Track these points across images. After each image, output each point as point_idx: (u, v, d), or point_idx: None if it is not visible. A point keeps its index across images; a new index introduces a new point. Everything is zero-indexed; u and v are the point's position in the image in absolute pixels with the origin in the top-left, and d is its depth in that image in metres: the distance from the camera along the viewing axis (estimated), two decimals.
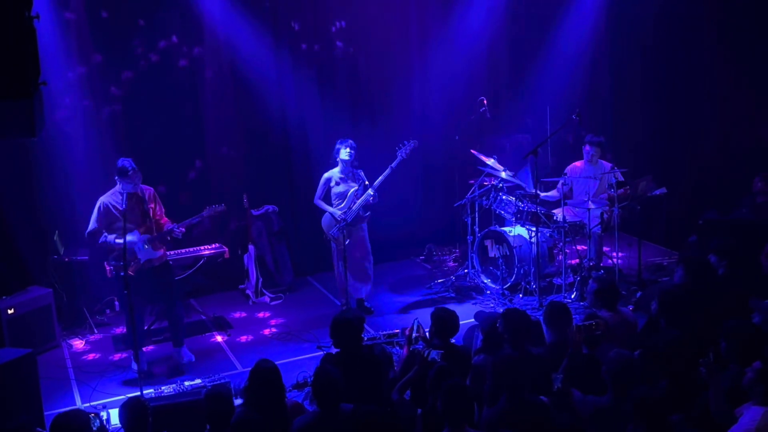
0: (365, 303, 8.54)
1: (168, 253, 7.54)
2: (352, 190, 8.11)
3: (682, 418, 4.61)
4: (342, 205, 8.11)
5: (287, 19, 9.47)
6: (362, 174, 8.21)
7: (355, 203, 8.08)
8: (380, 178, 8.07)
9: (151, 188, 7.26)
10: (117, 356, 7.82)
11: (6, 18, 3.90)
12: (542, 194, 8.75)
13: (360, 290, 8.46)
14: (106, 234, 6.98)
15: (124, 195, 6.92)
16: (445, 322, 5.81)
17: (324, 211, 8.26)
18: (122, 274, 6.65)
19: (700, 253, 7.50)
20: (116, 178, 6.99)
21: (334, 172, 8.20)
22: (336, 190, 8.18)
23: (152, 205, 7.17)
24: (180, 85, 9.11)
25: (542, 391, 5.06)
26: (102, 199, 7.05)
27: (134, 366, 7.17)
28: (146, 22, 8.80)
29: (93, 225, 7.06)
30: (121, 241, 6.84)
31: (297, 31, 9.53)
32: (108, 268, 7.77)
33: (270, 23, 9.38)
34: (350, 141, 8.16)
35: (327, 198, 8.28)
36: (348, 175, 8.17)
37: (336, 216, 8.07)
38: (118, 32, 8.71)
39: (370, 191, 8.06)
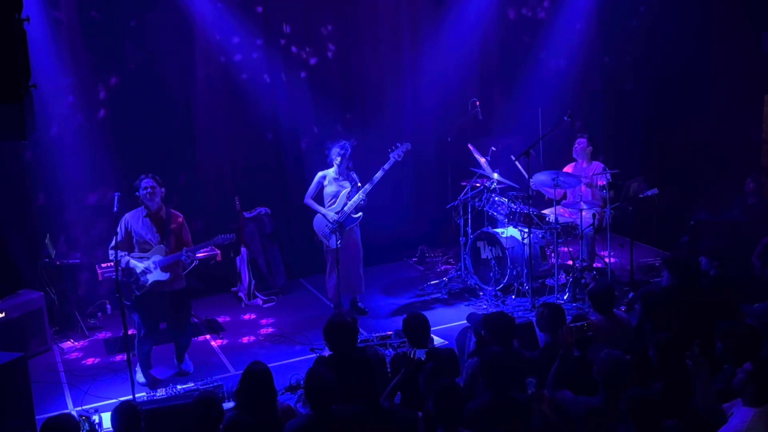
0: (359, 304, 8.54)
1: None
2: (344, 191, 8.10)
3: (676, 423, 4.61)
4: (334, 205, 8.11)
5: (279, 21, 9.46)
6: (355, 176, 8.20)
7: (346, 204, 8.07)
8: (373, 180, 8.06)
9: (181, 215, 7.22)
10: (108, 360, 7.79)
11: None
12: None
13: (353, 291, 8.46)
14: (123, 253, 6.93)
15: (136, 214, 6.97)
16: (417, 329, 5.78)
17: (314, 212, 8.23)
18: (122, 283, 6.68)
19: (692, 254, 7.53)
20: (137, 194, 6.98)
21: (329, 172, 8.19)
22: (328, 189, 8.18)
23: (174, 229, 7.08)
24: (172, 87, 9.08)
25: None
26: (126, 216, 7.02)
27: (139, 379, 7.16)
28: (137, 24, 8.77)
29: (116, 240, 6.99)
30: (134, 264, 6.92)
31: (288, 34, 9.52)
32: (99, 271, 7.76)
33: (261, 25, 9.37)
34: (348, 147, 8.11)
35: (318, 198, 8.26)
36: (342, 176, 8.16)
37: (328, 217, 8.06)
38: (109, 34, 8.68)
39: (361, 194, 8.06)
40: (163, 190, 7.04)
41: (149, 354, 7.22)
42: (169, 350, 7.54)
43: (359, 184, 8.13)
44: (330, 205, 8.13)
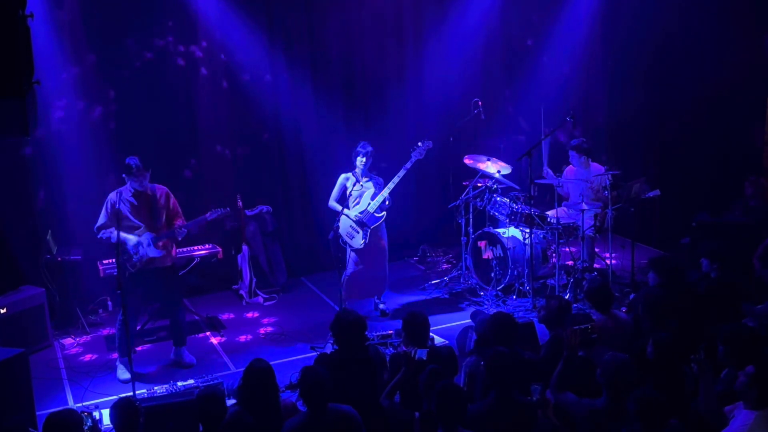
0: (380, 306, 8.50)
1: None
2: (368, 191, 8.06)
3: (678, 422, 4.61)
4: (358, 206, 8.06)
5: (282, 19, 9.46)
6: (380, 179, 8.17)
7: (370, 204, 8.04)
8: (394, 179, 8.00)
9: (165, 188, 7.25)
10: (109, 356, 7.78)
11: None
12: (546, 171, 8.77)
13: (377, 293, 8.46)
14: (111, 230, 6.97)
15: (122, 194, 6.95)
16: (417, 328, 5.78)
17: (338, 214, 8.09)
18: (116, 272, 6.65)
19: (693, 256, 7.52)
20: (124, 176, 7.02)
21: (350, 174, 8.14)
22: (352, 192, 8.10)
23: (163, 204, 7.15)
24: (174, 85, 9.09)
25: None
26: (111, 196, 7.06)
27: (122, 376, 7.17)
28: (141, 21, 8.78)
29: (102, 220, 7.09)
30: (124, 236, 6.88)
31: (291, 32, 9.53)
32: (101, 267, 7.77)
33: (264, 23, 9.37)
34: (369, 148, 8.08)
35: (342, 201, 8.16)
36: (365, 177, 8.11)
37: (351, 216, 7.99)
38: (112, 32, 8.69)
39: (386, 192, 8.02)
40: (148, 171, 7.06)
41: (131, 339, 7.12)
42: (162, 349, 7.58)
43: (362, 183, 8.10)
44: (354, 207, 8.05)
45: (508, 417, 4.82)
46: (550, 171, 8.82)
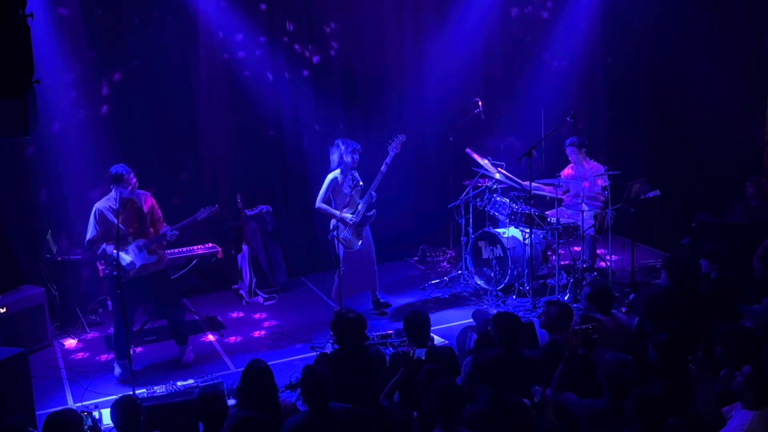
0: (381, 300, 8.55)
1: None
2: (354, 191, 8.06)
3: (676, 421, 4.62)
4: (347, 207, 8.04)
5: (282, 19, 9.46)
6: (357, 174, 8.18)
7: (359, 204, 8.04)
8: (378, 177, 8.02)
9: (148, 193, 7.26)
10: (109, 356, 7.79)
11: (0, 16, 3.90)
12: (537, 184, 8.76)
13: (371, 288, 8.49)
14: (105, 244, 6.96)
15: (118, 199, 6.92)
16: (419, 327, 5.79)
17: (328, 216, 8.11)
18: (115, 278, 6.65)
19: (692, 256, 7.51)
20: (112, 186, 7.00)
21: (338, 174, 8.13)
22: (340, 191, 8.09)
23: (149, 210, 7.16)
24: (174, 84, 9.09)
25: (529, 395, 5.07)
26: (97, 206, 7.05)
27: (119, 373, 7.18)
28: (141, 20, 8.78)
29: (92, 233, 7.05)
30: (121, 256, 6.89)
31: (292, 32, 9.53)
32: (101, 267, 7.78)
33: (265, 23, 9.38)
34: (356, 143, 8.10)
35: (328, 201, 8.16)
36: (347, 176, 8.13)
37: (347, 219, 8.01)
38: (112, 31, 8.69)
39: (371, 191, 8.04)
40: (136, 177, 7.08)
41: (128, 341, 7.10)
42: (162, 349, 7.58)
43: (361, 183, 8.11)
44: (341, 207, 8.05)
45: (505, 418, 4.81)
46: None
